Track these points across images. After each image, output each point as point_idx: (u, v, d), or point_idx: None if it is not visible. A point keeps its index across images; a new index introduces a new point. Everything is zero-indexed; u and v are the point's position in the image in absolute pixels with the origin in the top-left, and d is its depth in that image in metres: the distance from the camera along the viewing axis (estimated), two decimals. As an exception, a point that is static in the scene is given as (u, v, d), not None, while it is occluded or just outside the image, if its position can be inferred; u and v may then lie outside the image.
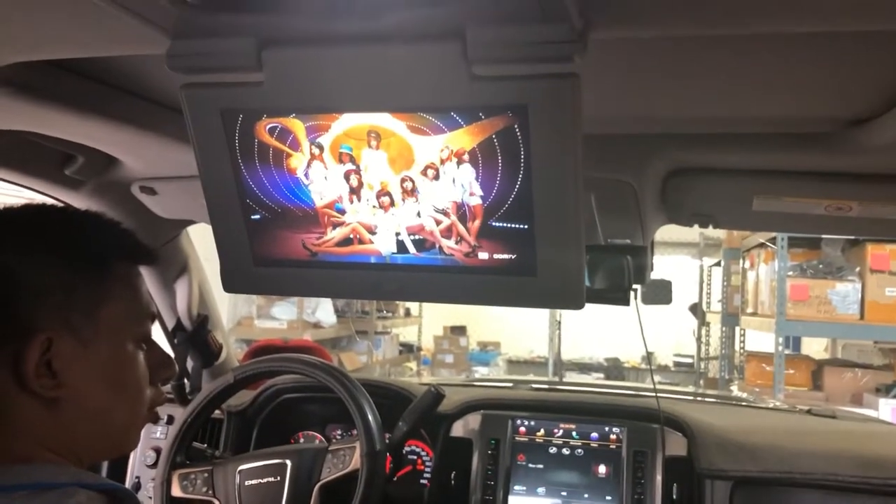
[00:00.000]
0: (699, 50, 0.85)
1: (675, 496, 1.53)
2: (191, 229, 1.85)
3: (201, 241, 1.83)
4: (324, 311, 5.61)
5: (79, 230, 0.82)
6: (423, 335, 8.01)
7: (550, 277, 0.84)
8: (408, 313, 7.55)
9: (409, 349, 7.62)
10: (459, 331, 7.78)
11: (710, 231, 5.79)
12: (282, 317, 5.48)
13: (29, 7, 0.74)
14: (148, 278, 1.77)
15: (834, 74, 0.92)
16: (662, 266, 1.50)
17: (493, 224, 0.83)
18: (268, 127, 0.83)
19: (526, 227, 0.82)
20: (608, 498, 1.56)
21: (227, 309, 5.43)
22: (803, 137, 1.14)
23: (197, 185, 0.93)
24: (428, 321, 7.91)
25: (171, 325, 1.85)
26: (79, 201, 1.46)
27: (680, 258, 7.14)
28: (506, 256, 0.85)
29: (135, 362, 0.82)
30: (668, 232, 1.48)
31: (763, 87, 0.99)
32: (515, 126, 0.75)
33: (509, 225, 0.83)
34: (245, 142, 0.84)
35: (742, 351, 6.11)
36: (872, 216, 1.29)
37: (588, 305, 0.94)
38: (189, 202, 1.55)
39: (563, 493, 1.59)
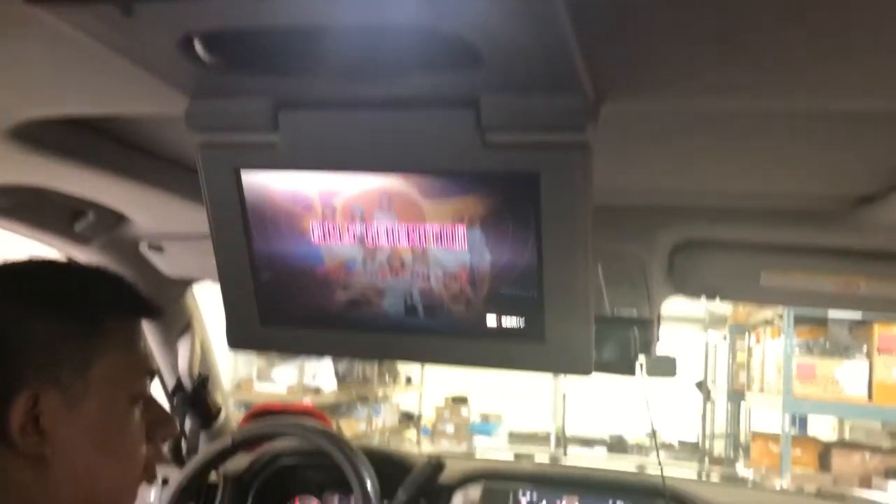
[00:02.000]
0: (707, 126, 0.86)
1: None
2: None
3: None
4: (324, 375, 5.56)
5: (74, 285, 0.81)
6: (424, 404, 7.90)
7: (559, 343, 0.84)
8: (409, 381, 7.46)
9: (409, 418, 7.51)
10: (461, 401, 7.67)
11: (716, 306, 5.76)
12: (282, 380, 5.43)
13: (49, 64, 0.76)
14: (150, 336, 1.76)
15: (840, 154, 0.93)
16: (667, 339, 1.49)
17: (503, 290, 0.83)
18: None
19: (535, 293, 0.82)
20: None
21: (228, 370, 5.39)
22: (811, 214, 1.14)
23: (204, 244, 0.93)
24: (429, 390, 7.81)
25: (170, 384, 1.83)
26: (86, 257, 1.46)
27: (685, 331, 7.08)
28: (514, 322, 0.84)
29: (128, 421, 0.80)
30: (673, 306, 1.47)
31: (770, 164, 1.00)
32: (527, 193, 0.76)
33: (518, 291, 0.82)
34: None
35: (748, 430, 6.01)
36: (881, 294, 1.28)
37: (594, 381, 0.92)
38: (196, 261, 1.55)
39: None
